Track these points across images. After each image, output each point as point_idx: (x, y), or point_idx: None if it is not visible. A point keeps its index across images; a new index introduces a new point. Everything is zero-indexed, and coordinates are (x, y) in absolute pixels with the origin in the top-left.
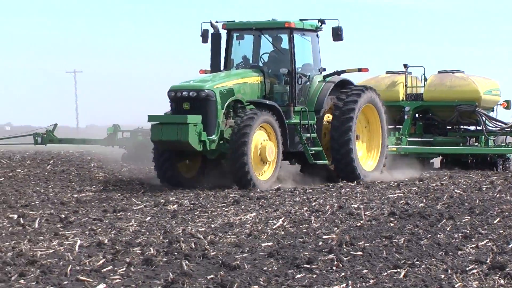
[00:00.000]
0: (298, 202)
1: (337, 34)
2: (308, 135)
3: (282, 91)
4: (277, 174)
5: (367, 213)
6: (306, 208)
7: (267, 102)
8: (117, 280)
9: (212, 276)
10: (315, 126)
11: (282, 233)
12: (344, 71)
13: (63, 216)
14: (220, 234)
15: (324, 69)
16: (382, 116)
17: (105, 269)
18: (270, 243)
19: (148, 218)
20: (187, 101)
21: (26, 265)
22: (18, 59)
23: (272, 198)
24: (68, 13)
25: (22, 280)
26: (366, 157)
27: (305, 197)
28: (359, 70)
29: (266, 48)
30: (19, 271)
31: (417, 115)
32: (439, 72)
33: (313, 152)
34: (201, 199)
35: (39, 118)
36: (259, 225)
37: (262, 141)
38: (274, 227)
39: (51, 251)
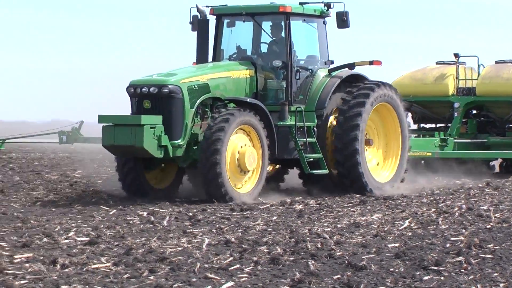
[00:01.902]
0: (425, 203)
1: (342, 20)
2: (304, 139)
3: (276, 87)
4: (262, 185)
5: (496, 215)
6: (434, 209)
7: (248, 100)
8: (244, 279)
9: (338, 276)
10: (315, 129)
11: (409, 234)
12: (353, 64)
13: (191, 214)
14: (346, 234)
15: (332, 62)
16: (401, 116)
17: (232, 267)
18: (397, 244)
19: (275, 217)
20: (147, 98)
21: (156, 262)
22: (137, 58)
23: (398, 199)
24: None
25: (152, 277)
26: (382, 166)
27: (432, 198)
28: (371, 62)
29: (263, 36)
30: (149, 267)
31: (472, 112)
32: (497, 62)
33: (311, 160)
34: (327, 199)
35: None
36: (385, 226)
37: (242, 146)
38: (401, 228)
39: (180, 248)
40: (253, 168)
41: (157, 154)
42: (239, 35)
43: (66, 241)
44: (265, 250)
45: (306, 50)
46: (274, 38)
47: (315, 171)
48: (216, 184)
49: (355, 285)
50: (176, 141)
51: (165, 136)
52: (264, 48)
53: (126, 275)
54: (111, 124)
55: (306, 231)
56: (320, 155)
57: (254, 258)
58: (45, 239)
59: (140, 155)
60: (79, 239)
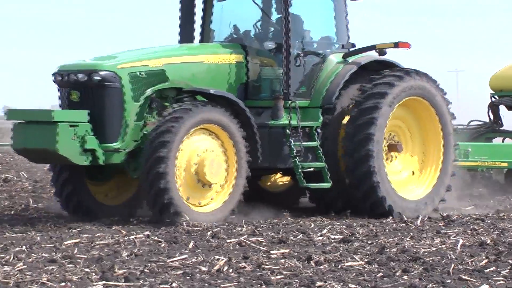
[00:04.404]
0: None
1: None
2: (302, 143)
3: (273, 77)
4: (236, 202)
5: None
6: None
7: (213, 91)
8: (500, 282)
9: None
10: (318, 130)
11: None
12: (373, 47)
13: (445, 214)
14: None
15: (353, 46)
16: (443, 114)
17: (488, 270)
18: None
19: None
20: (76, 88)
21: (410, 261)
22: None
23: None
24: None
25: (405, 276)
26: (418, 179)
27: None
28: (396, 45)
29: (262, 14)
30: (402, 267)
31: None
32: None
33: (312, 169)
34: None
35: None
36: None
37: (202, 152)
38: None
39: (433, 249)
40: (221, 181)
41: (79, 161)
42: (232, 12)
43: (321, 238)
44: None
45: (319, 30)
46: (278, 16)
47: (311, 185)
48: (162, 203)
49: None
50: (111, 144)
51: (93, 138)
52: (262, 28)
53: (379, 274)
54: (23, 121)
55: None
56: (322, 164)
57: (511, 261)
58: (300, 236)
59: (59, 161)
60: (333, 236)
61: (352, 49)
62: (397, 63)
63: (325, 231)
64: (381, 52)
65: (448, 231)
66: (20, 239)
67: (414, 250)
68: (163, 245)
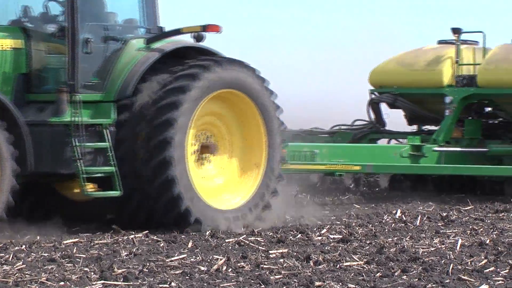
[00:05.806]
0: None
1: None
2: (81, 144)
3: (59, 65)
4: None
5: None
6: None
7: None
8: (500, 282)
9: None
10: (111, 129)
11: None
12: (179, 31)
13: (444, 214)
14: None
15: (162, 30)
16: (264, 108)
17: (487, 270)
18: None
19: None
20: None
21: (409, 261)
22: None
23: None
24: None
25: (404, 276)
26: (238, 183)
27: None
28: (204, 28)
29: None
30: (401, 267)
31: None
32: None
33: (99, 174)
34: None
35: None
36: None
37: None
38: None
39: (432, 249)
40: None
41: None
42: None
43: (320, 238)
44: None
45: (127, 13)
46: None
47: (95, 193)
48: None
49: None
50: None
51: None
52: (54, 9)
53: (378, 274)
54: None
55: None
56: (112, 169)
57: (510, 261)
58: (299, 236)
59: None
60: (332, 236)
61: (159, 34)
62: (214, 50)
63: (324, 230)
64: (199, 37)
65: (447, 231)
66: (19, 238)
67: (413, 250)
68: (162, 244)
